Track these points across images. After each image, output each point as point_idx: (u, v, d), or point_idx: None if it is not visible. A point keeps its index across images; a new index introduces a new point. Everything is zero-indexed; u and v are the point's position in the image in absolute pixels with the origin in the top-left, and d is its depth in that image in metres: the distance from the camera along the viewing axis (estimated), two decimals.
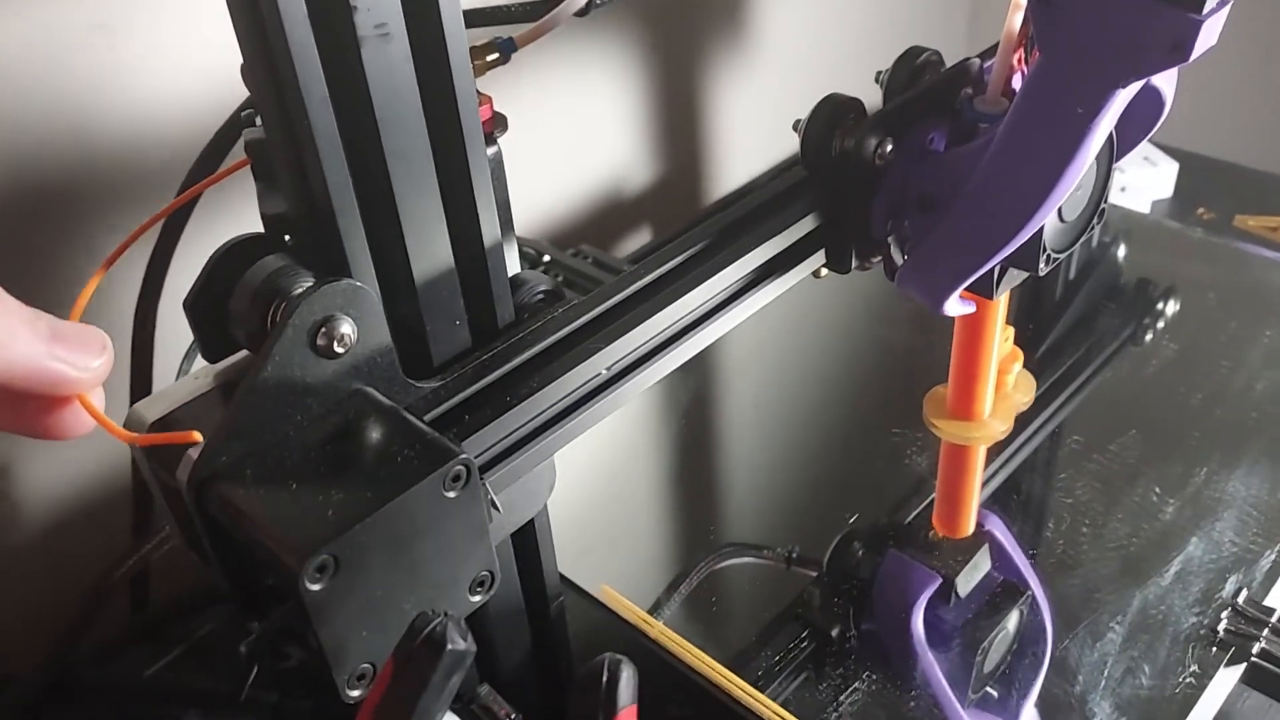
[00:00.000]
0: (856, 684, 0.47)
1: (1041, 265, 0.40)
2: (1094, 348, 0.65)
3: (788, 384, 0.68)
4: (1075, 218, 0.41)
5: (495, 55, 0.39)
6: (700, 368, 0.69)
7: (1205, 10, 0.32)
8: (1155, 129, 0.42)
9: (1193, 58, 0.34)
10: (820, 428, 0.64)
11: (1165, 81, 0.40)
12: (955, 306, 0.42)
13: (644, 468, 0.63)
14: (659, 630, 0.48)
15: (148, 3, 0.53)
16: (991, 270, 0.43)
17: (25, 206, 0.52)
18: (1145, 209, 0.85)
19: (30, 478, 0.56)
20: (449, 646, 0.25)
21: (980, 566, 0.49)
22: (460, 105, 0.30)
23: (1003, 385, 0.47)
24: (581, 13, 0.43)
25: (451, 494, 0.28)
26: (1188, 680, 0.45)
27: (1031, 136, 0.36)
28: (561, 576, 0.41)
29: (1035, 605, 0.49)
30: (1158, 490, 0.55)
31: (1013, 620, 0.48)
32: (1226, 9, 0.33)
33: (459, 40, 0.29)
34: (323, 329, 0.28)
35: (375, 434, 0.29)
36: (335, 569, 0.26)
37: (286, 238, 0.32)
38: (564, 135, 0.76)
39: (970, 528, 0.49)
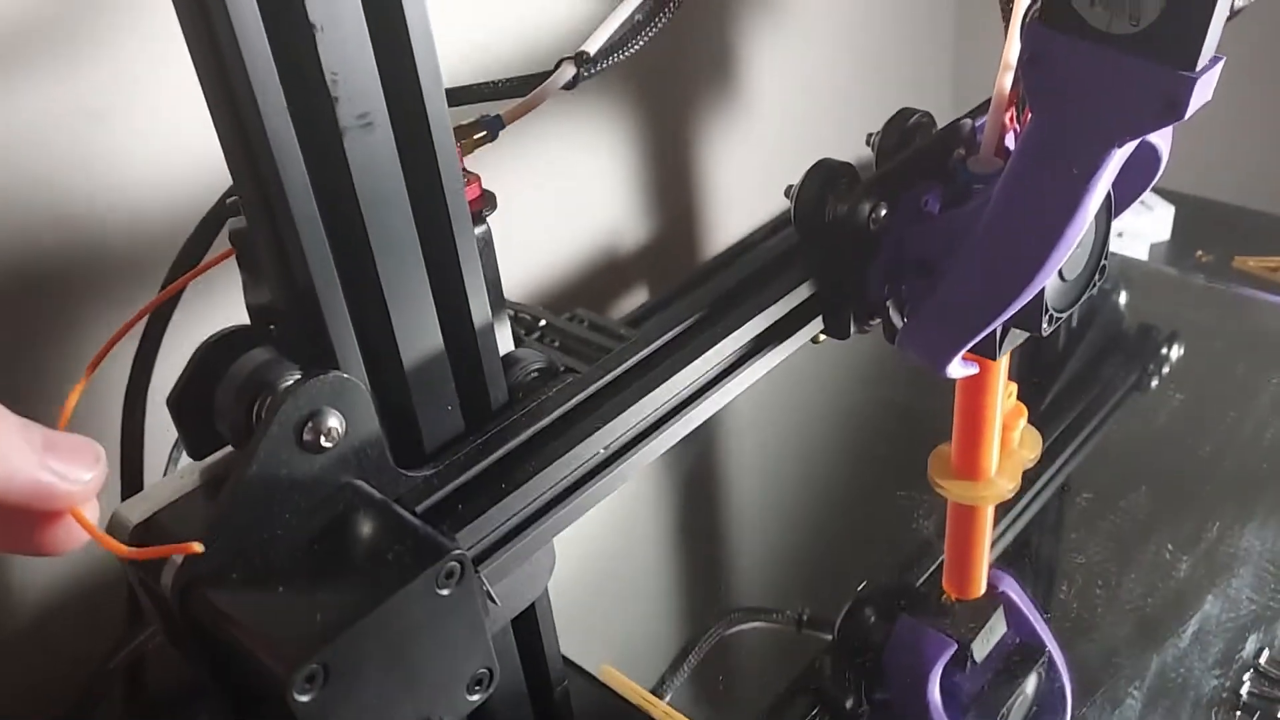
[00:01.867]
0: None
1: (1044, 325, 0.40)
2: (1099, 398, 0.65)
3: (789, 449, 0.67)
4: (1076, 276, 0.41)
5: (483, 134, 0.38)
6: (699, 434, 0.68)
7: (1199, 67, 0.32)
8: (1152, 184, 0.41)
9: (1188, 115, 0.33)
10: (824, 492, 0.63)
11: (1160, 137, 0.39)
12: (958, 369, 0.41)
13: (644, 538, 0.62)
14: (664, 712, 0.46)
15: (140, 90, 0.53)
16: (994, 331, 0.42)
17: (9, 295, 0.51)
18: (1143, 253, 0.85)
19: (24, 563, 0.55)
20: None
21: (996, 630, 0.48)
22: (446, 191, 0.29)
23: (1008, 442, 0.47)
24: (569, 86, 0.42)
25: (445, 591, 0.27)
26: None
27: (1028, 198, 0.36)
28: (564, 659, 0.40)
29: (1053, 665, 0.48)
30: (1171, 547, 0.54)
31: (1031, 683, 0.47)
32: (1220, 65, 0.33)
33: (443, 127, 0.29)
34: (309, 424, 0.27)
35: (365, 530, 0.28)
36: (325, 678, 0.25)
37: (272, 327, 0.32)
38: (555, 199, 0.76)
39: (981, 588, 0.48)
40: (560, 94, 0.42)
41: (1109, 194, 0.41)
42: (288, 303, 0.30)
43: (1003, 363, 0.44)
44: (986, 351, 0.42)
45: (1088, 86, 0.34)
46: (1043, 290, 0.39)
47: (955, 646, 0.47)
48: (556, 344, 0.60)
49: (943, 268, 0.39)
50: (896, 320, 0.42)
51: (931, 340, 0.40)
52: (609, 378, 0.35)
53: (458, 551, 0.27)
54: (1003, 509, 0.55)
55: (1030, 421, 0.48)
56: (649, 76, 0.77)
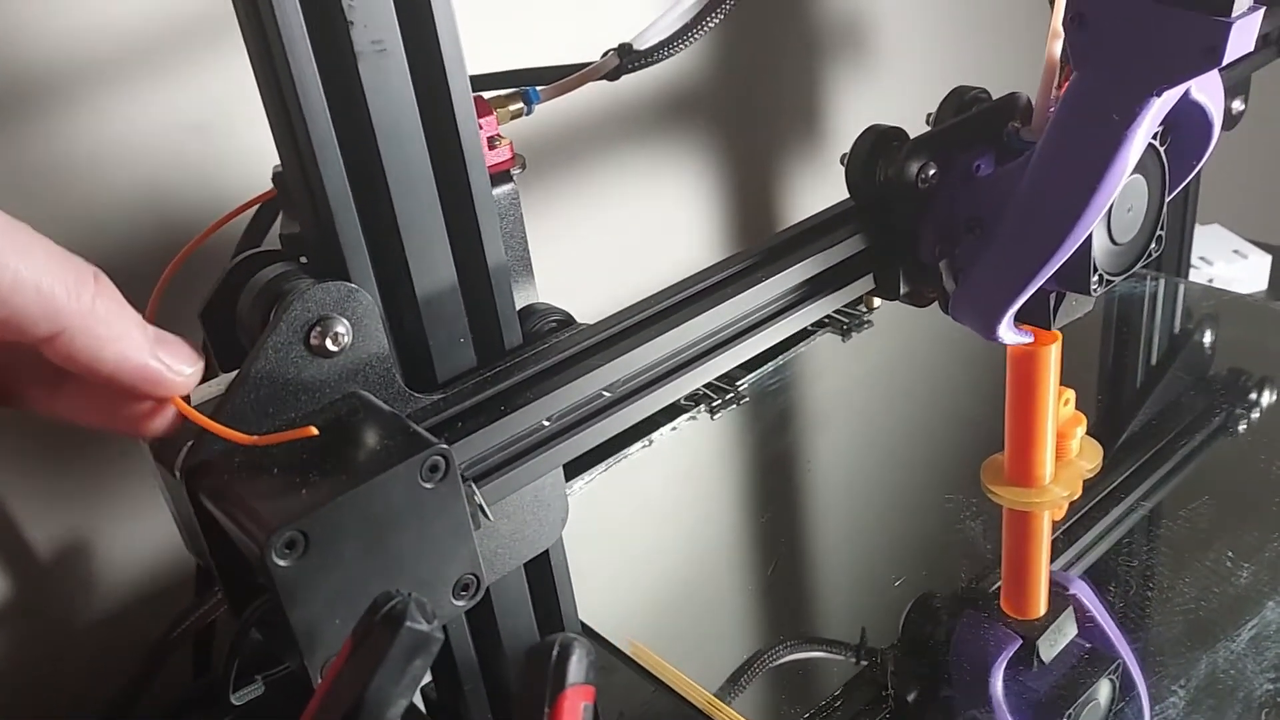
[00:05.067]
0: None
1: (1093, 286, 0.40)
2: (1192, 426, 0.63)
3: (863, 465, 0.67)
4: (1128, 241, 0.41)
5: (519, 105, 0.42)
6: (765, 448, 0.69)
7: (1235, 13, 0.34)
8: (1208, 154, 0.42)
9: (1226, 61, 0.34)
10: (896, 507, 0.63)
11: (1210, 99, 0.40)
12: (1009, 334, 0.42)
13: (714, 551, 0.63)
14: (687, 686, 0.47)
15: (240, 104, 0.59)
16: (1047, 297, 0.43)
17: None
18: None
19: (109, 547, 0.60)
20: (407, 624, 0.26)
21: (1065, 631, 0.47)
22: (459, 121, 0.33)
23: (1066, 451, 0.47)
24: (611, 76, 0.46)
25: (429, 485, 0.29)
26: None
27: (1071, 146, 0.37)
28: (585, 626, 0.42)
29: (1129, 677, 0.46)
30: (1253, 571, 0.51)
31: (1103, 691, 0.45)
32: (1259, 14, 0.34)
33: (457, 60, 0.32)
34: (317, 327, 0.31)
35: (362, 430, 0.31)
36: (305, 547, 0.27)
37: (303, 260, 0.35)
38: (637, 240, 0.79)
39: (1041, 608, 0.47)
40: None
41: (1164, 163, 0.41)
42: (308, 225, 0.33)
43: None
44: (1041, 319, 0.43)
45: (1128, 39, 0.35)
46: (1090, 250, 0.40)
47: (1020, 642, 0.46)
48: None
49: (993, 226, 0.41)
50: (949, 285, 0.43)
51: (982, 300, 0.41)
52: (622, 325, 0.37)
53: (441, 446, 0.30)
54: (1080, 528, 0.54)
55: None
56: (738, 119, 0.81)
